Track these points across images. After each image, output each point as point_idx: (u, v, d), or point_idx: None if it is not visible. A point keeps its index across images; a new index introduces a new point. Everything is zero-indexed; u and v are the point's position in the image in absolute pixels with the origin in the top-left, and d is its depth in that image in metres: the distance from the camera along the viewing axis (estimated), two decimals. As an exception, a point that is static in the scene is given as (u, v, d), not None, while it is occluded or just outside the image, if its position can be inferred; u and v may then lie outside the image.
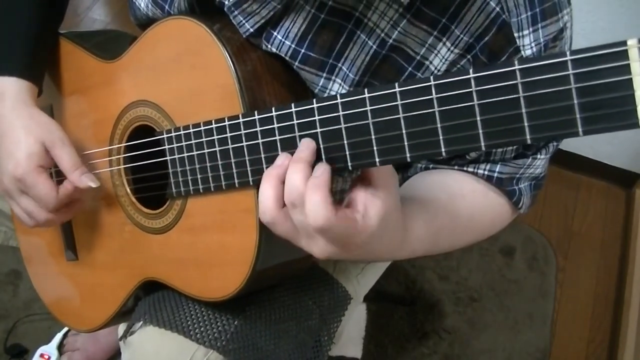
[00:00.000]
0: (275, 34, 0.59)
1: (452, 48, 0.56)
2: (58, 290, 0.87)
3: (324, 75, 0.59)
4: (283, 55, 0.59)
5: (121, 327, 0.78)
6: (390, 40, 0.57)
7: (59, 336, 1.24)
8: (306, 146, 0.47)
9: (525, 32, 0.55)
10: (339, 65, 0.59)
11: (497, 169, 0.62)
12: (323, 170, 0.46)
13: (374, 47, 0.57)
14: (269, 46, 0.60)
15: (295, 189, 0.46)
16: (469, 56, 0.57)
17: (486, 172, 0.62)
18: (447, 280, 1.49)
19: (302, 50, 0.59)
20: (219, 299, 0.63)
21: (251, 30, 0.59)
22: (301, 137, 0.48)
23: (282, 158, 0.49)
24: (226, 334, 0.69)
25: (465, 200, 0.62)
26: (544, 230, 1.61)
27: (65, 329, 1.25)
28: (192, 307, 0.71)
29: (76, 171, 0.67)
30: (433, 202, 0.60)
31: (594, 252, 1.59)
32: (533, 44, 0.56)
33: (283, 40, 0.59)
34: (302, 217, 0.46)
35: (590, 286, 1.52)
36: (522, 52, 0.56)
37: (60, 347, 1.24)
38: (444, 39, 0.56)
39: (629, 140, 1.64)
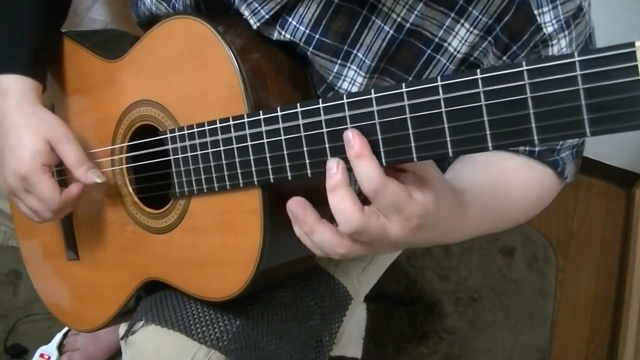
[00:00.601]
0: (289, 19, 0.59)
1: (471, 29, 0.56)
2: (58, 290, 0.87)
3: (339, 61, 0.59)
4: (297, 41, 0.59)
5: (122, 327, 0.77)
6: (408, 24, 0.56)
7: (59, 336, 1.24)
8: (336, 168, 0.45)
9: (545, 9, 0.55)
10: (354, 51, 0.58)
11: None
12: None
13: (391, 32, 0.57)
14: (283, 32, 0.59)
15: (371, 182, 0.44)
16: (489, 38, 0.57)
17: (527, 148, 0.61)
18: (447, 280, 1.49)
19: (317, 36, 0.58)
20: (222, 299, 0.63)
21: (266, 16, 0.59)
22: (306, 137, 0.48)
23: (335, 166, 0.46)
24: (228, 334, 0.69)
25: (512, 175, 0.61)
26: (544, 230, 1.61)
27: (65, 329, 1.25)
28: (194, 306, 0.71)
29: (82, 167, 0.67)
30: (482, 181, 0.59)
31: (594, 252, 1.59)
32: (554, 21, 0.55)
33: (297, 25, 0.59)
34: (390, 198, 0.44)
35: (590, 286, 1.52)
36: (544, 30, 0.55)
37: (60, 347, 1.23)
38: (462, 20, 0.56)
39: (628, 140, 1.64)
